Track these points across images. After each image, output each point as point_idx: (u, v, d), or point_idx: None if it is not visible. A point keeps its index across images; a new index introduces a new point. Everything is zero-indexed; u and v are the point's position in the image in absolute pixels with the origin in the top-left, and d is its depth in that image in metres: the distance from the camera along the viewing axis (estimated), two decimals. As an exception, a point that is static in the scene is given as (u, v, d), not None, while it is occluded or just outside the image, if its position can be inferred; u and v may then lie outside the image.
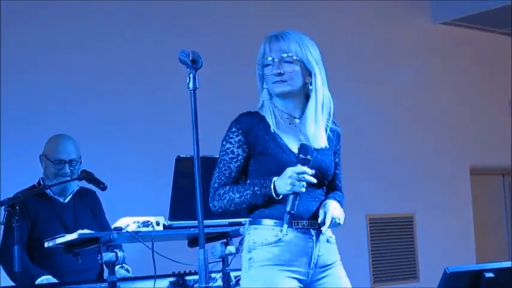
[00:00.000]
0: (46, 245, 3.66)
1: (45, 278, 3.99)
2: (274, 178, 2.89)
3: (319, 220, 2.94)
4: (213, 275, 3.88)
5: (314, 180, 2.88)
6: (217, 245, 3.74)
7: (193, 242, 3.94)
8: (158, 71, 6.34)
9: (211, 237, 3.78)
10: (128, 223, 3.61)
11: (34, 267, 4.07)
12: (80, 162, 4.32)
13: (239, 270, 4.01)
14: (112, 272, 3.51)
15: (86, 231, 3.61)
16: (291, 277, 2.93)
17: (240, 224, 3.71)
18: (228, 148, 2.98)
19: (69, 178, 4.27)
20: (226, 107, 6.58)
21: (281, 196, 2.89)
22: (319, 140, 3.00)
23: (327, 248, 3.01)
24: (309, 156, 2.88)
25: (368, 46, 7.82)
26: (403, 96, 8.07)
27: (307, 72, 3.01)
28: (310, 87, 3.01)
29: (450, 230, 8.16)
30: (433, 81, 8.32)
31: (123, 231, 3.57)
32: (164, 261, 3.59)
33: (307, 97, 3.04)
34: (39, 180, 4.38)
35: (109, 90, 6.16)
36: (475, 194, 8.59)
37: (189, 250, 3.89)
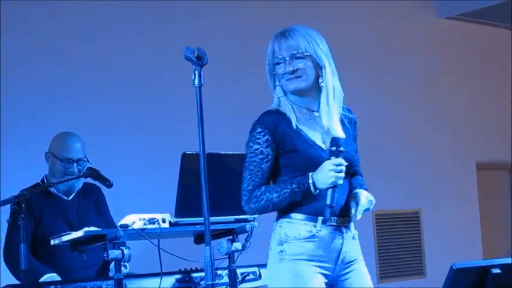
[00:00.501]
0: (52, 242, 3.65)
1: (50, 276, 3.98)
2: (311, 174, 2.92)
3: (353, 212, 3.00)
4: (219, 272, 3.87)
5: (346, 163, 2.93)
6: (224, 241, 3.73)
7: (199, 238, 3.93)
8: (162, 66, 6.34)
9: (218, 234, 3.77)
10: (134, 220, 3.61)
11: (39, 265, 4.07)
12: (87, 161, 4.32)
13: (245, 267, 4.04)
14: (118, 269, 3.51)
15: (92, 228, 3.61)
16: (319, 273, 2.98)
17: (246, 220, 3.71)
18: (257, 149, 2.99)
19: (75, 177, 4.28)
20: (229, 105, 6.61)
21: (318, 191, 2.92)
22: (338, 130, 3.04)
23: (352, 245, 3.07)
24: (342, 148, 2.93)
25: (373, 41, 7.81)
26: (409, 91, 8.06)
27: (318, 66, 3.04)
28: (320, 81, 3.03)
29: (456, 226, 8.14)
30: (438, 76, 8.30)
31: (129, 228, 3.56)
32: (170, 258, 3.59)
33: (320, 89, 3.07)
34: (43, 178, 4.38)
35: (114, 87, 6.16)
36: (481, 189, 8.57)
37: (195, 247, 3.88)
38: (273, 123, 2.99)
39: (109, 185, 4.03)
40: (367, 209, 3.03)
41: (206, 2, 6.64)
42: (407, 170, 7.90)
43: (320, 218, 2.95)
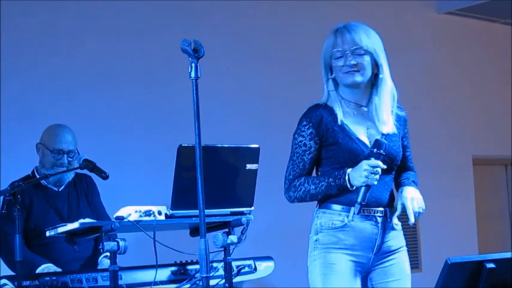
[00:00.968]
0: (48, 234, 3.64)
1: (46, 267, 3.99)
2: (348, 170, 3.04)
3: (397, 214, 3.15)
4: (214, 265, 3.88)
5: (384, 166, 3.03)
6: (219, 234, 3.72)
7: (195, 231, 3.93)
8: (159, 60, 6.32)
9: (213, 227, 3.77)
10: (130, 212, 3.60)
11: (34, 256, 4.07)
12: (78, 153, 4.31)
13: (240, 259, 4.05)
14: (114, 261, 3.51)
15: (87, 220, 3.61)
16: (352, 261, 3.09)
17: (242, 213, 3.71)
18: (301, 141, 3.13)
19: (65, 168, 4.27)
20: (228, 97, 6.60)
21: (354, 187, 3.03)
22: (389, 125, 3.16)
23: (392, 235, 3.19)
24: (382, 151, 3.01)
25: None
26: (407, 85, 8.04)
27: (376, 63, 3.16)
28: (381, 76, 3.16)
29: (453, 220, 8.14)
30: (436, 71, 8.29)
31: (125, 220, 3.56)
32: (166, 250, 3.58)
33: (371, 86, 3.18)
34: (33, 170, 4.37)
35: (110, 80, 6.15)
36: (478, 184, 8.57)
37: (191, 240, 3.88)
38: (318, 117, 3.11)
39: (105, 176, 4.03)
40: (419, 213, 3.21)
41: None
42: (404, 164, 7.88)
43: (353, 208, 3.06)
